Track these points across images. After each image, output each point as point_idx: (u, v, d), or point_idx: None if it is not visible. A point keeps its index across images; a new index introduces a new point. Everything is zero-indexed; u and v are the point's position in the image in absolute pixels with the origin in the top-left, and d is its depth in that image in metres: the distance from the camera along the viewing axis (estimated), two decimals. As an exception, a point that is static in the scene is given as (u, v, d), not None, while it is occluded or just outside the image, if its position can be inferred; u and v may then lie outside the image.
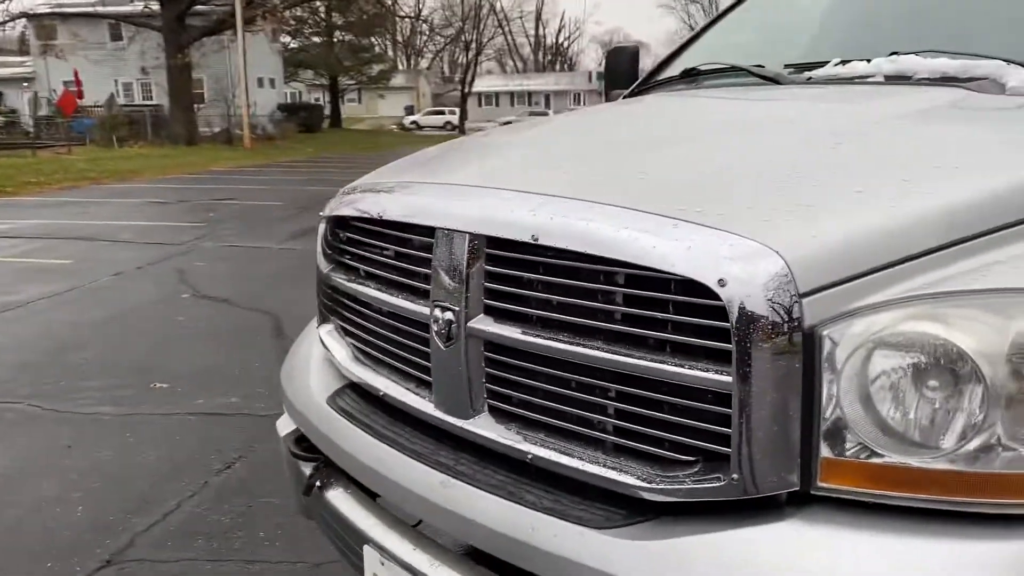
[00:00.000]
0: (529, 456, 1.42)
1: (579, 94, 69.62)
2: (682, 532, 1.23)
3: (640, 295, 1.26)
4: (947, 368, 1.13)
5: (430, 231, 1.55)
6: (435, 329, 1.53)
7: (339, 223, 1.94)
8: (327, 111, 49.03)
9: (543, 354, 1.39)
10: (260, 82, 39.89)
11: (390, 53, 66.05)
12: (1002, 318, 1.12)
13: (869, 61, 2.08)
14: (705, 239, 1.21)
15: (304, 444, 1.94)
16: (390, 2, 46.02)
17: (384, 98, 61.69)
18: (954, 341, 1.11)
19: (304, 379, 2.00)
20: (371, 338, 1.83)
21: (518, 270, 1.41)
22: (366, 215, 1.78)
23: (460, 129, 51.41)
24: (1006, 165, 1.44)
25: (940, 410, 1.13)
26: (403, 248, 1.70)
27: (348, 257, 1.93)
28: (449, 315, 1.50)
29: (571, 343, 1.35)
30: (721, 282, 1.16)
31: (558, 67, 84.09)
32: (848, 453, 1.17)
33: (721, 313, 1.17)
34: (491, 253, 1.44)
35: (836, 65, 2.16)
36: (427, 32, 60.71)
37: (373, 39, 52.02)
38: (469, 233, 1.46)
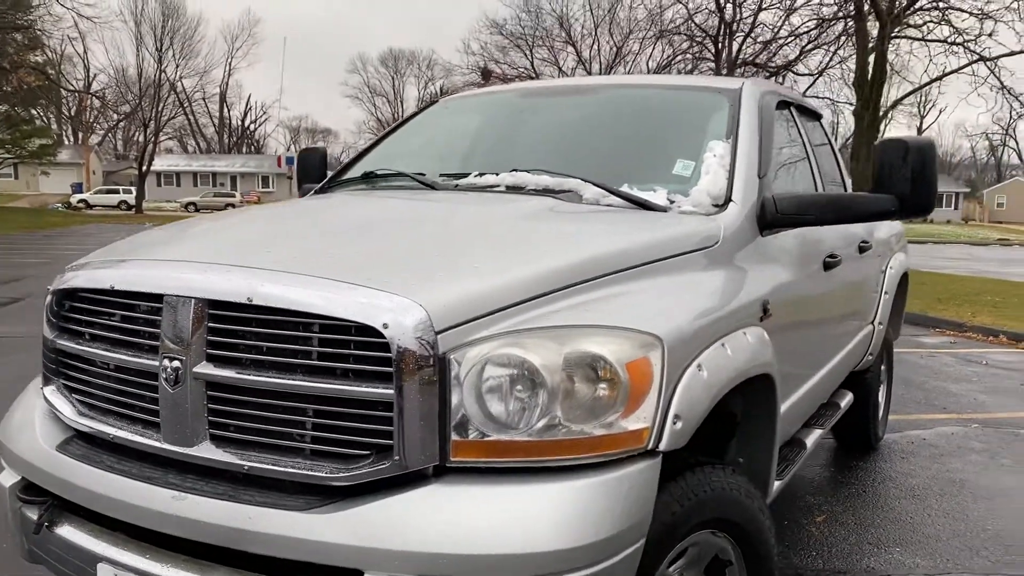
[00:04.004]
0: (246, 467, 1.86)
1: (268, 177, 68.78)
2: (363, 502, 1.75)
3: (332, 338, 1.79)
4: (527, 377, 1.78)
5: (159, 298, 1.96)
6: (163, 376, 1.93)
7: (66, 295, 2.24)
8: (-24, 186, 43.64)
9: (257, 388, 1.86)
10: None
11: (55, 127, 60.79)
12: (557, 344, 1.81)
13: (497, 175, 2.85)
14: (374, 297, 1.78)
15: (31, 490, 2.17)
16: (54, 74, 42.68)
17: (48, 175, 56.14)
18: (530, 360, 1.78)
19: (29, 434, 2.23)
20: (98, 392, 2.15)
21: (235, 325, 1.88)
22: (97, 287, 2.12)
23: (137, 209, 48.41)
24: (571, 248, 2.20)
25: (524, 404, 1.78)
26: (131, 312, 2.07)
27: (74, 324, 2.23)
28: (177, 363, 1.91)
29: (280, 377, 1.84)
30: (384, 325, 1.73)
31: (245, 149, 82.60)
32: (470, 436, 1.78)
33: (386, 347, 1.73)
34: (212, 313, 1.89)
35: (476, 176, 2.90)
36: (98, 108, 56.82)
37: (35, 111, 47.59)
38: (195, 298, 1.89)
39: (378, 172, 3.19)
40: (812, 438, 3.50)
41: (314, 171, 3.78)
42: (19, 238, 23.30)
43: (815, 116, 4.20)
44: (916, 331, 9.96)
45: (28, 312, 9.75)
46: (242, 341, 1.89)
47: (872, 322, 4.50)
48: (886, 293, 4.63)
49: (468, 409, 1.77)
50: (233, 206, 49.49)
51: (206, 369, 1.90)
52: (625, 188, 2.69)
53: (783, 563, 3.44)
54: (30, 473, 2.17)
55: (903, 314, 5.43)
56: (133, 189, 52.09)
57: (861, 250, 3.98)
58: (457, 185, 2.91)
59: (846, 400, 4.26)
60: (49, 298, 2.27)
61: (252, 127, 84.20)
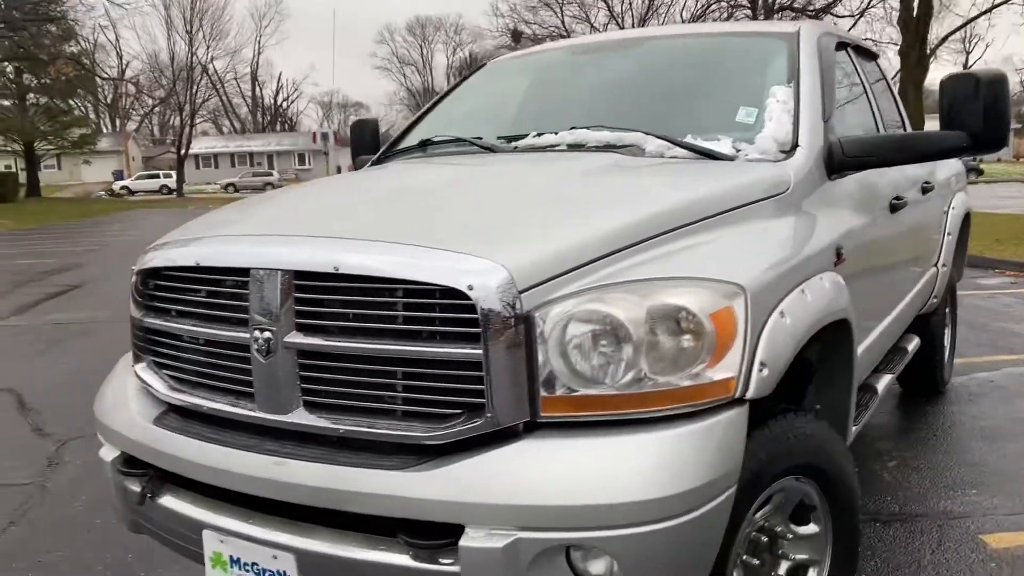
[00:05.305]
0: (340, 431, 1.91)
1: (304, 154, 69.07)
2: (457, 460, 1.79)
3: (417, 302, 1.82)
4: (611, 331, 1.80)
5: (245, 272, 2.00)
6: (255, 347, 1.98)
7: (149, 274, 2.30)
8: (22, 179, 44.54)
9: (347, 354, 1.90)
10: (-68, 150, 35.44)
11: (93, 116, 61.66)
12: (639, 297, 1.82)
13: (556, 134, 2.84)
14: (458, 261, 1.80)
15: (130, 463, 2.25)
16: (89, 63, 43.26)
17: (90, 164, 57.12)
18: (613, 314, 1.79)
19: (125, 410, 2.31)
20: (188, 366, 2.21)
21: (322, 294, 1.91)
22: (182, 264, 2.17)
23: (179, 192, 49.24)
24: (643, 202, 2.20)
25: (609, 358, 1.80)
26: (216, 288, 2.12)
27: (160, 302, 2.29)
28: (268, 334, 1.95)
29: (369, 343, 1.87)
30: (470, 287, 1.75)
31: (279, 127, 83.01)
32: (558, 392, 1.80)
33: (472, 308, 1.76)
34: (299, 284, 1.93)
35: (534, 137, 2.90)
36: (133, 94, 57.48)
37: (73, 102, 48.27)
38: (281, 270, 1.93)
39: (435, 139, 3.20)
40: (883, 383, 3.48)
41: (367, 142, 3.81)
42: (70, 226, 23.85)
43: (872, 56, 4.10)
44: (975, 273, 9.75)
45: (88, 298, 10.02)
46: (330, 309, 1.92)
47: (936, 264, 4.42)
48: (949, 234, 4.54)
49: (554, 365, 1.79)
50: (272, 185, 50.01)
51: (296, 338, 1.94)
52: (688, 139, 2.67)
53: (857, 509, 3.44)
54: (130, 448, 2.25)
55: (966, 255, 5.32)
56: (173, 173, 52.91)
57: (924, 191, 3.91)
58: (516, 147, 2.91)
59: (913, 344, 4.20)
60: (134, 279, 2.33)
61: (285, 105, 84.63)
